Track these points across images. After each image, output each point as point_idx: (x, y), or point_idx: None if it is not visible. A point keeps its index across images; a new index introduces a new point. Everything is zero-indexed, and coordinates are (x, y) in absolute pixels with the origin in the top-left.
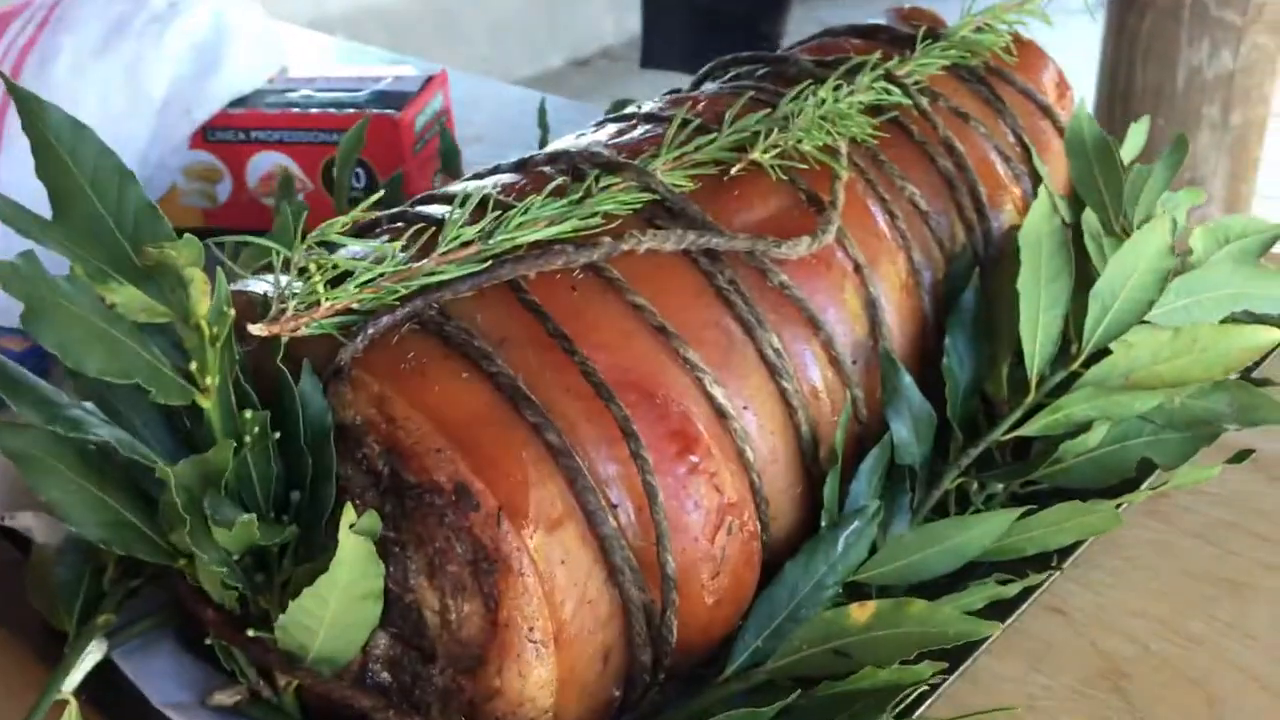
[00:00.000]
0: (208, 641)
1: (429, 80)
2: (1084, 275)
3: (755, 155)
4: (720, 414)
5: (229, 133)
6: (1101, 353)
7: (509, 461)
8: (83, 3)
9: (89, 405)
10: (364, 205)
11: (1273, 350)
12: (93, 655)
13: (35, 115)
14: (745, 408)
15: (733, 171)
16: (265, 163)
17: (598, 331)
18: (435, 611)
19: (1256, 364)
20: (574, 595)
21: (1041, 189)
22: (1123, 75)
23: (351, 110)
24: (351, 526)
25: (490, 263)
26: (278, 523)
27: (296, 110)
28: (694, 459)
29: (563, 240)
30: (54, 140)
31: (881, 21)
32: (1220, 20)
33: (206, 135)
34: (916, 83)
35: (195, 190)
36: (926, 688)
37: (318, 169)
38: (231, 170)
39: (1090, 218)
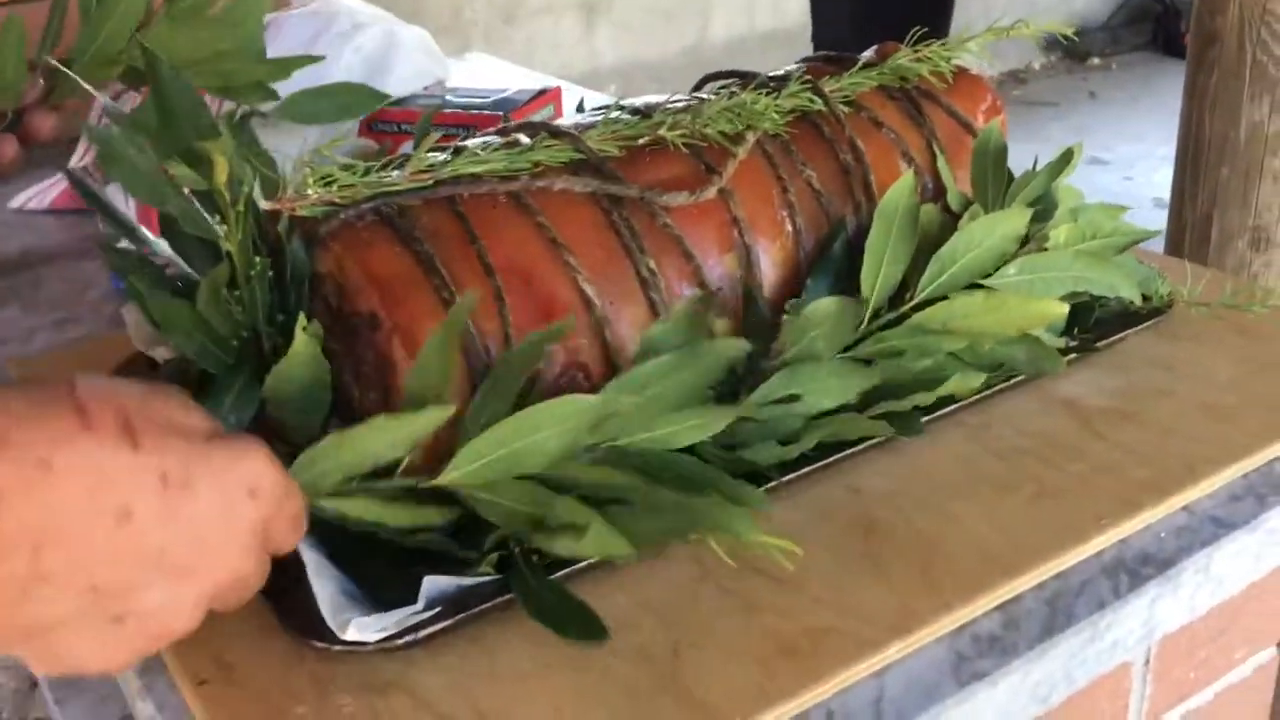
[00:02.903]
0: None
1: (541, 92)
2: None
3: (662, 132)
4: (586, 303)
5: (387, 125)
6: (937, 303)
7: (408, 303)
8: (287, 22)
9: (164, 241)
10: (345, 129)
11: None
12: None
13: (153, 64)
14: (611, 303)
15: (639, 142)
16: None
17: (502, 236)
18: (357, 400)
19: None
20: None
21: (908, 174)
22: (1194, 126)
23: (474, 111)
24: (304, 329)
25: (434, 183)
26: (271, 334)
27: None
28: (549, 324)
29: (492, 174)
30: (162, 80)
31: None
32: (1279, 80)
33: (371, 125)
34: (845, 96)
35: None
36: None
37: None
38: (388, 154)
39: (976, 207)
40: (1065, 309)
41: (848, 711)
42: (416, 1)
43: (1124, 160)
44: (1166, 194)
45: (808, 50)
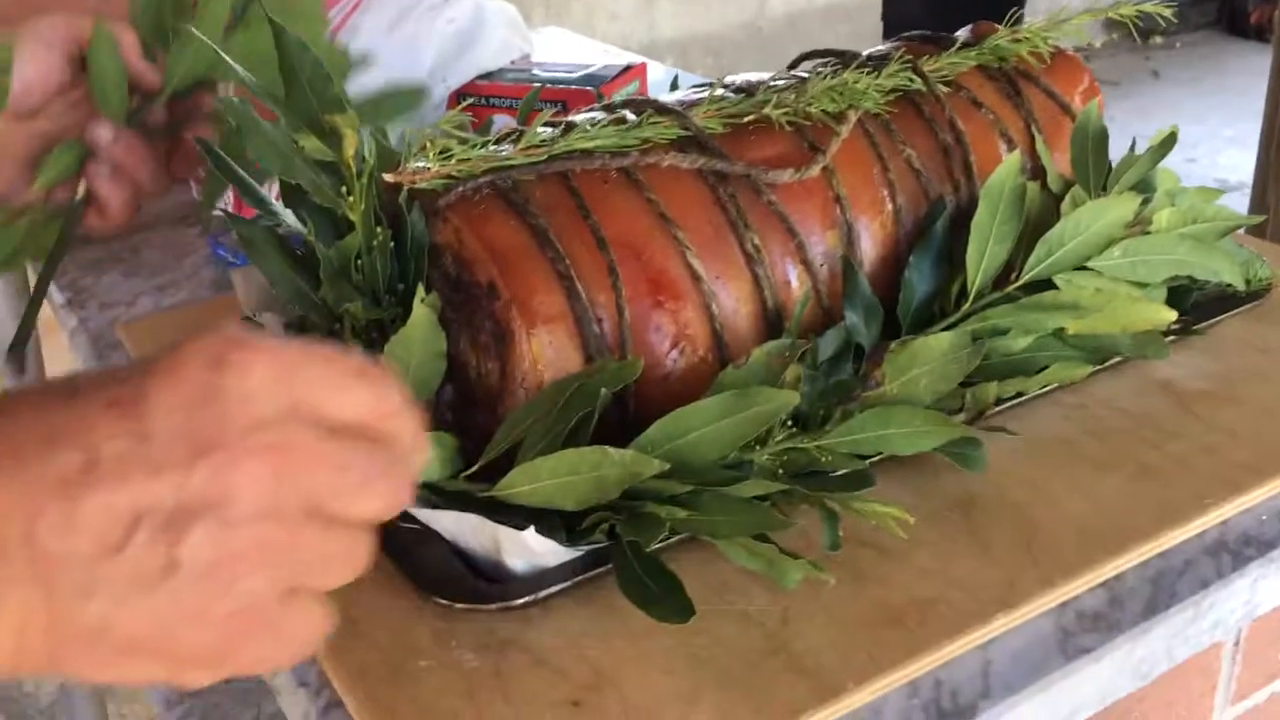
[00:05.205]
0: None
1: (628, 68)
2: (1049, 227)
3: (767, 110)
4: (695, 277)
5: (475, 98)
6: (1043, 286)
7: (526, 274)
8: None
9: (289, 210)
10: (462, 105)
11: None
12: None
13: (281, 36)
14: (718, 278)
15: (744, 120)
16: (500, 122)
17: (614, 210)
18: (474, 368)
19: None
20: (555, 366)
21: (1015, 154)
22: (1276, 111)
23: (563, 86)
24: (421, 301)
25: (548, 158)
26: (390, 302)
27: (523, 83)
28: (660, 298)
29: (603, 150)
30: (289, 52)
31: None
32: None
33: (459, 99)
34: (944, 76)
35: None
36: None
37: None
38: (474, 128)
39: (1078, 189)
40: (1174, 315)
41: (956, 682)
42: None
43: (1187, 141)
44: (1230, 176)
45: (867, 24)
